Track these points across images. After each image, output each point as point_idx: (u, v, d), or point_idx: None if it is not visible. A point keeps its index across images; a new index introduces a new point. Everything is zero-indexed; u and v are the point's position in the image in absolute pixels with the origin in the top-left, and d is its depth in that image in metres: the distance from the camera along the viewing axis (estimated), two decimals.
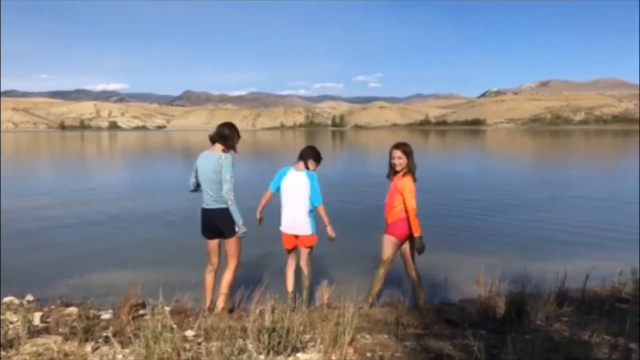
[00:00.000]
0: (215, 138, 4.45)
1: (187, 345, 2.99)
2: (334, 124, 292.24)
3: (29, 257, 7.22)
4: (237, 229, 4.42)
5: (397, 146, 4.68)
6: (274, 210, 4.96)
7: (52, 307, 4.48)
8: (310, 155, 4.95)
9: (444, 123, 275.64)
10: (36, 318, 3.83)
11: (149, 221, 10.48)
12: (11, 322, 3.71)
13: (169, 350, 2.57)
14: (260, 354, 2.76)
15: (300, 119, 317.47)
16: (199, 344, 3.14)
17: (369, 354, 3.03)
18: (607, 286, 4.88)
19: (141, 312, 4.12)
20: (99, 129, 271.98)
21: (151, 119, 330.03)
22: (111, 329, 3.45)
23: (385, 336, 3.42)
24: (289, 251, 4.99)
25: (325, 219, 4.77)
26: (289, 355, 2.82)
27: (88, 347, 3.11)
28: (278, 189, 4.90)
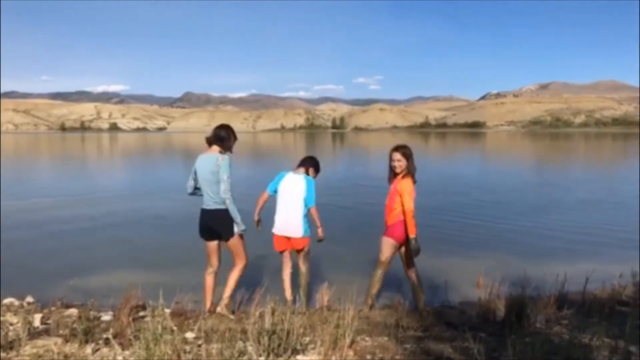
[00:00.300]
0: (212, 140, 4.48)
1: (188, 348, 3.00)
2: (334, 126, 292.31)
3: (29, 259, 7.22)
4: (235, 229, 4.44)
5: (397, 149, 4.70)
6: (272, 212, 4.98)
7: (53, 308, 4.48)
8: (310, 164, 5.06)
9: (444, 125, 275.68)
10: (36, 320, 3.83)
11: (149, 223, 10.48)
12: (11, 324, 3.71)
13: (169, 352, 2.58)
14: (260, 356, 2.77)
15: (300, 121, 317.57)
16: (199, 346, 3.14)
17: (369, 357, 3.03)
18: (607, 289, 4.87)
19: (141, 313, 4.12)
20: (100, 130, 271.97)
21: (152, 121, 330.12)
22: (111, 330, 3.45)
23: (385, 338, 3.42)
24: (283, 255, 5.01)
25: (318, 221, 4.82)
26: (289, 358, 2.82)
27: (88, 349, 3.11)
28: (275, 192, 4.95)
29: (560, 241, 8.45)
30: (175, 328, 2.81)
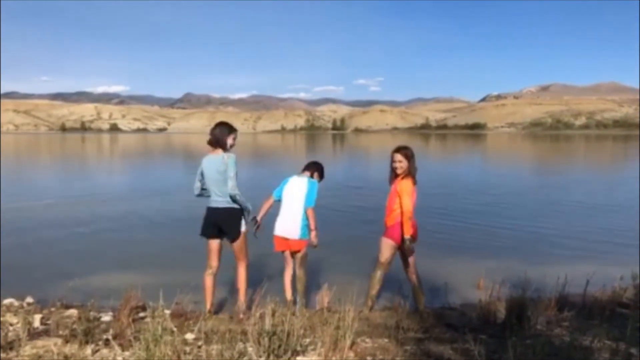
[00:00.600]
0: (212, 142, 4.53)
1: (187, 349, 2.99)
2: (334, 127, 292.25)
3: (28, 259, 7.22)
4: (242, 227, 4.52)
5: (398, 149, 4.71)
6: (274, 214, 4.99)
7: (52, 309, 4.47)
8: (315, 169, 5.09)
9: (445, 127, 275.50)
10: (36, 320, 3.83)
11: (149, 223, 10.49)
12: (11, 324, 3.71)
13: (169, 353, 2.57)
14: (260, 357, 2.76)
15: (300, 122, 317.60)
16: (199, 347, 3.14)
17: (369, 358, 3.03)
18: (608, 291, 4.86)
19: (141, 314, 4.12)
20: (100, 131, 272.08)
21: (152, 122, 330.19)
22: (111, 331, 3.45)
23: (386, 340, 3.42)
24: (284, 255, 5.01)
25: (312, 223, 4.79)
26: (289, 359, 2.82)
27: (88, 350, 3.11)
28: (280, 198, 4.95)
29: (560, 243, 8.45)
30: (175, 329, 2.80)
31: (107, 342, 3.20)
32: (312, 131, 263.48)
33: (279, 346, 2.79)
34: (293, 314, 3.08)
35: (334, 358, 2.81)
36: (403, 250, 4.62)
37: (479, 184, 18.69)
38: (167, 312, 3.67)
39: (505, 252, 7.84)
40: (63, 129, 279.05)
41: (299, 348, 2.90)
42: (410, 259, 4.68)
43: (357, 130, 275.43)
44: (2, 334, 3.21)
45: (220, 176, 4.43)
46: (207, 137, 4.58)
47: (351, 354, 2.95)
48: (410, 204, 4.52)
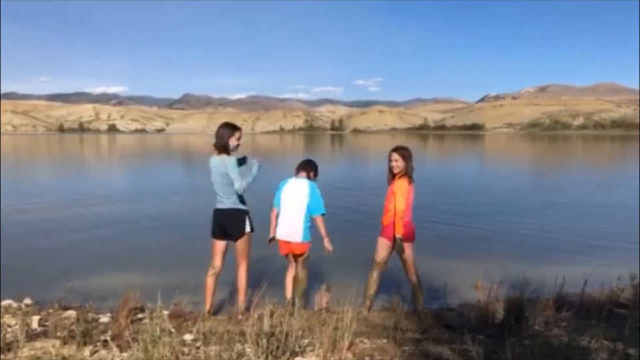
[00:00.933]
0: (217, 146, 4.55)
1: (186, 350, 2.99)
2: (333, 128, 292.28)
3: (27, 260, 7.21)
4: (247, 228, 4.56)
5: (396, 149, 4.73)
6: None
7: (51, 310, 4.46)
8: (311, 167, 5.03)
9: (443, 127, 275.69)
10: (34, 321, 3.82)
11: (147, 224, 10.47)
12: (9, 326, 3.70)
13: (168, 354, 2.57)
14: (259, 358, 2.76)
15: (299, 122, 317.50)
16: (198, 348, 3.13)
17: (367, 359, 3.03)
18: (606, 291, 4.87)
19: (140, 315, 4.12)
20: (98, 131, 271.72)
21: (150, 122, 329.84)
22: (109, 332, 3.44)
23: (384, 340, 3.42)
24: (288, 258, 4.99)
25: (323, 231, 4.76)
26: None
27: (86, 351, 3.11)
28: (279, 204, 4.90)
29: (558, 243, 8.47)
30: (173, 330, 2.80)
31: (105, 343, 3.20)
32: (310, 132, 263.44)
33: (278, 347, 2.79)
34: (291, 314, 3.08)
35: (332, 359, 2.81)
36: (403, 251, 4.62)
37: (477, 184, 18.70)
38: (166, 313, 3.67)
39: (503, 252, 7.84)
40: (61, 129, 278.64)
41: (297, 349, 2.90)
42: (410, 259, 4.68)
43: (356, 131, 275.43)
44: (1, 335, 3.21)
45: (223, 179, 4.49)
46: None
47: (349, 355, 2.95)
48: (404, 203, 4.52)
